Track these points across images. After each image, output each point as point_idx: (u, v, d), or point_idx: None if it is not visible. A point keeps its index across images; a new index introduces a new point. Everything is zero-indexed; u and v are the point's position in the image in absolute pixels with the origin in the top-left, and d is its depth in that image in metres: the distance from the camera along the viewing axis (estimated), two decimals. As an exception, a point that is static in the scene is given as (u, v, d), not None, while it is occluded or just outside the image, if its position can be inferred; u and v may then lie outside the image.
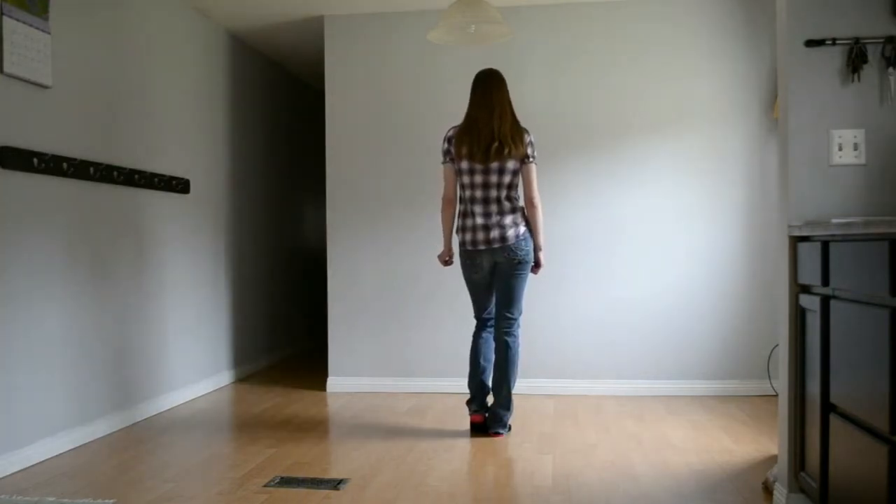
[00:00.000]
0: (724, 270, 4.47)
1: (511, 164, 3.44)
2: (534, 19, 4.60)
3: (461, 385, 4.63)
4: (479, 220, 3.48)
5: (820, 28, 2.38)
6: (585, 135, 4.56)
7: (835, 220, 2.05)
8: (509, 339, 3.58)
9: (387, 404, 4.32)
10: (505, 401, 3.59)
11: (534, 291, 4.58)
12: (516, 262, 3.49)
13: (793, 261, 2.41)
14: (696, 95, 4.49)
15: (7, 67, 3.02)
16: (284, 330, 6.18)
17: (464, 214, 3.55)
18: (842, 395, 2.01)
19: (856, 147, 2.36)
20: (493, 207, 3.47)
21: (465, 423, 3.85)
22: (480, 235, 3.48)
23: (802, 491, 2.39)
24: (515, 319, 3.59)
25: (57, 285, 3.34)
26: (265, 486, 2.85)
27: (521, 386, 4.57)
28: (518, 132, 3.47)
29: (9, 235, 3.06)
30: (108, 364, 3.71)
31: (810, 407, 2.28)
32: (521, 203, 3.57)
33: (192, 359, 4.55)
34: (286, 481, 2.90)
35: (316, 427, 3.80)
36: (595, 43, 4.57)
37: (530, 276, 3.65)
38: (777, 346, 4.40)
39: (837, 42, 2.37)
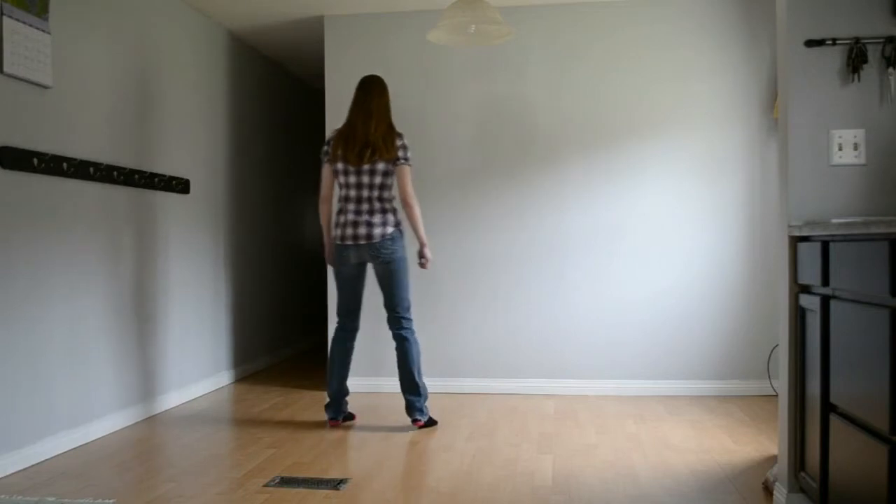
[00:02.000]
0: (724, 270, 4.47)
1: (381, 166, 3.63)
2: (534, 19, 4.60)
3: (461, 385, 4.63)
4: (350, 217, 3.67)
5: (820, 28, 2.38)
6: (585, 134, 4.56)
7: (835, 220, 2.05)
8: (404, 332, 3.74)
9: (387, 404, 4.32)
10: (413, 387, 3.73)
11: (534, 291, 4.59)
12: (383, 261, 3.66)
13: (793, 261, 2.41)
14: (696, 95, 4.49)
15: (7, 67, 3.02)
16: (284, 330, 6.18)
17: (339, 212, 3.73)
18: (842, 395, 2.01)
19: (856, 147, 2.36)
20: (365, 206, 3.66)
21: (465, 422, 3.85)
22: (349, 231, 3.66)
23: (802, 491, 2.39)
24: (403, 316, 3.74)
25: (56, 285, 3.34)
26: (265, 486, 2.85)
27: (521, 386, 4.57)
28: (390, 136, 3.65)
29: (9, 235, 3.06)
30: (107, 364, 3.71)
31: (810, 407, 2.28)
32: (395, 205, 3.77)
33: (192, 359, 4.55)
34: (286, 481, 2.90)
35: (316, 427, 3.80)
36: (595, 43, 4.57)
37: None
38: (777, 346, 4.40)
39: (837, 42, 2.37)
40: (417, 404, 3.73)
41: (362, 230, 3.63)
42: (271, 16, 4.81)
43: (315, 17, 4.84)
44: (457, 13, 3.36)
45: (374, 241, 3.62)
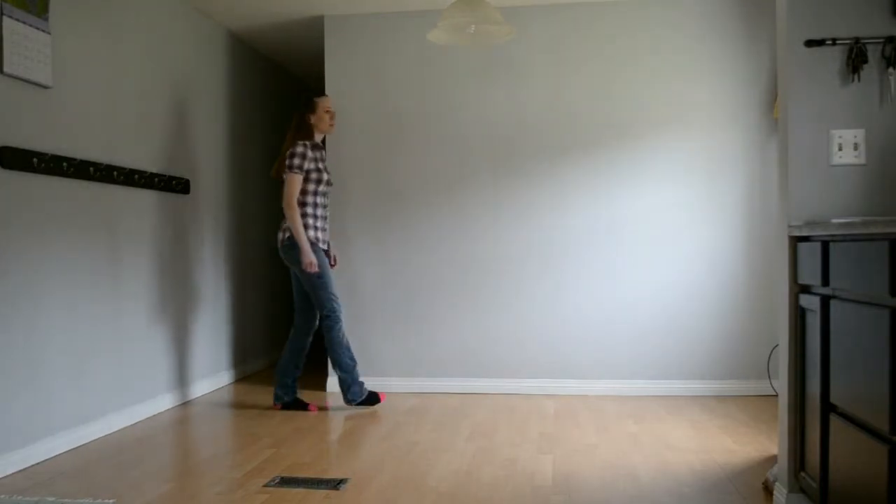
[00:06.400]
0: (724, 270, 4.47)
1: (285, 177, 4.01)
2: (534, 19, 4.60)
3: (461, 385, 4.63)
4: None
5: (820, 28, 2.38)
6: (586, 135, 4.56)
7: (835, 220, 2.05)
8: (323, 330, 4.09)
9: (387, 404, 4.32)
10: (342, 380, 4.14)
11: (534, 291, 4.59)
12: (290, 265, 4.09)
13: (793, 261, 2.41)
14: (696, 96, 4.49)
15: (7, 67, 3.02)
16: (284, 330, 6.17)
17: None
18: (842, 395, 2.01)
19: (856, 147, 2.36)
20: (283, 214, 4.09)
21: (465, 423, 3.85)
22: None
23: (802, 491, 2.39)
24: (321, 315, 4.08)
25: (56, 286, 3.34)
26: (265, 486, 2.85)
27: (521, 386, 4.58)
28: (288, 149, 4.02)
29: (9, 235, 3.05)
30: (106, 364, 3.71)
31: (810, 407, 2.28)
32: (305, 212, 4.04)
33: (191, 359, 4.55)
34: (286, 481, 2.90)
35: (316, 427, 3.80)
36: (595, 44, 4.57)
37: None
38: (777, 346, 4.40)
39: (837, 42, 2.37)
40: (346, 386, 4.11)
41: (278, 235, 4.12)
42: (271, 16, 4.81)
43: (315, 17, 4.84)
44: (457, 13, 3.36)
45: (278, 245, 4.08)
